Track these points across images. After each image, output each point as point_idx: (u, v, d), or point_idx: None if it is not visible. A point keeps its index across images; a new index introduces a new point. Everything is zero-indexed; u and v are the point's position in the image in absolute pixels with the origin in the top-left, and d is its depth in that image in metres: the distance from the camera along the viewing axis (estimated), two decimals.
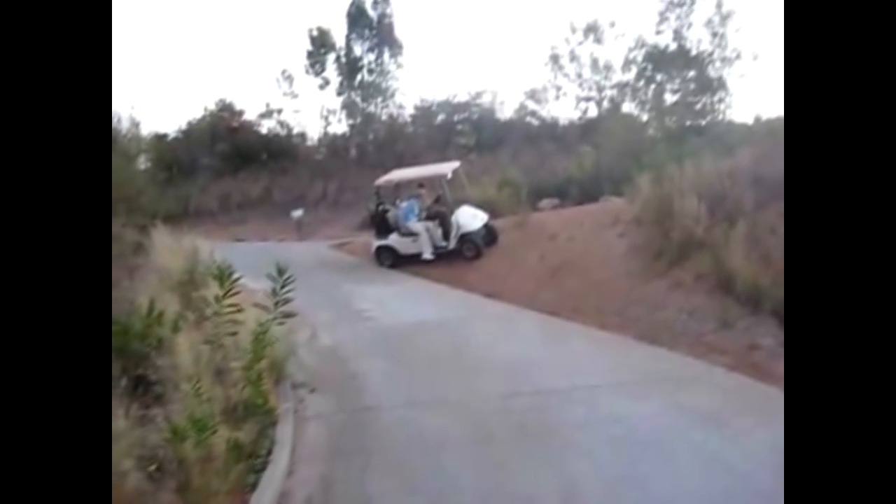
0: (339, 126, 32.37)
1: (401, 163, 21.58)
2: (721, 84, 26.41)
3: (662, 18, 27.11)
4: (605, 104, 28.83)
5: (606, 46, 28.69)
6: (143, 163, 26.40)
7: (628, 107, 28.46)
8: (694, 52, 26.73)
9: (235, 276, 5.26)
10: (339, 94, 31.72)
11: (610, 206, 13.86)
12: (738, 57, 26.16)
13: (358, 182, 25.99)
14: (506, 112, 31.15)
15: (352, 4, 31.06)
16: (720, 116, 26.16)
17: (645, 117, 27.20)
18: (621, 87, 28.53)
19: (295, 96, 32.04)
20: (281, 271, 4.96)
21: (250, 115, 32.37)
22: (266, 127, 32.46)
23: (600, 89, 29.07)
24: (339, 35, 31.58)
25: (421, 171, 16.22)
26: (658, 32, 27.35)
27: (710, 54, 26.61)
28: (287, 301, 5.06)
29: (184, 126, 32.00)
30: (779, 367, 5.92)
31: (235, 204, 28.56)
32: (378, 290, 12.09)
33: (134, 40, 49.53)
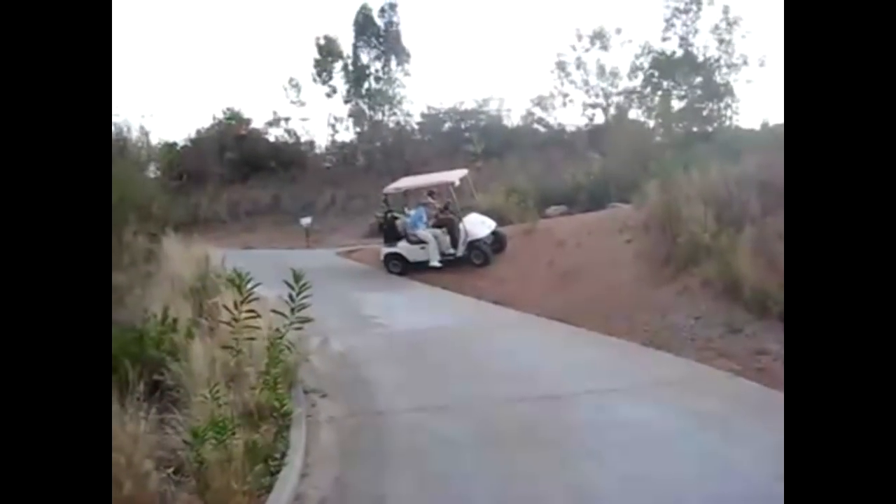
0: (347, 134, 32.52)
1: (409, 170, 21.67)
2: (728, 90, 26.44)
3: (669, 25, 27.15)
4: (612, 111, 28.84)
5: (613, 53, 28.73)
6: (153, 171, 26.57)
7: (635, 113, 28.46)
8: (700, 59, 26.77)
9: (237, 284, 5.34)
10: (347, 101, 31.85)
11: (617, 213, 13.93)
12: (744, 63, 26.18)
13: (366, 189, 26.09)
14: (513, 119, 31.22)
15: (359, 13, 31.23)
16: (727, 123, 26.18)
17: (652, 124, 27.21)
18: (628, 93, 28.56)
19: (302, 104, 32.17)
20: (297, 278, 5.05)
21: (258, 124, 32.57)
22: (273, 135, 32.60)
23: (607, 96, 29.11)
24: (346, 43, 31.73)
25: (429, 178, 16.31)
26: (664, 39, 27.38)
27: (717, 60, 26.66)
28: (303, 307, 5.15)
29: (193, 134, 32.20)
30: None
31: (245, 211, 28.69)
32: (387, 297, 12.19)
33: (143, 49, 49.89)
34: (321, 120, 41.70)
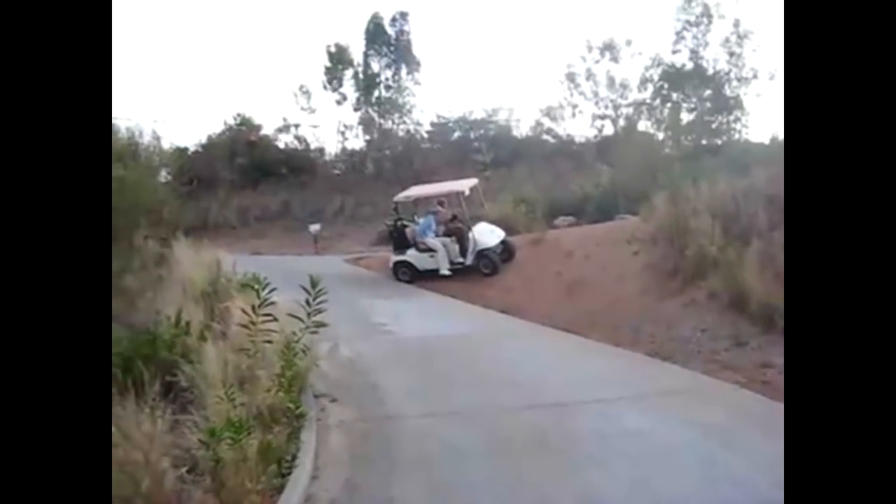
0: (356, 141, 32.67)
1: (417, 179, 21.78)
2: (737, 103, 26.50)
3: (679, 37, 27.22)
4: (621, 122, 28.93)
5: (623, 65, 28.79)
6: (164, 176, 26.74)
7: (644, 125, 28.56)
8: (710, 72, 26.84)
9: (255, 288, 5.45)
10: (356, 109, 32.02)
11: (625, 225, 13.99)
12: (754, 76, 26.24)
13: (375, 197, 26.22)
14: (522, 129, 31.33)
15: (370, 21, 31.45)
16: (736, 136, 26.23)
17: (661, 136, 27.30)
18: (637, 105, 28.63)
19: (312, 111, 32.36)
20: (314, 283, 5.17)
21: (268, 130, 32.74)
22: (283, 141, 32.77)
23: (616, 107, 29.19)
24: (357, 51, 31.93)
25: (439, 187, 16.42)
26: (675, 51, 27.46)
27: (727, 74, 26.72)
28: (319, 311, 5.26)
29: (204, 140, 32.36)
30: None
31: (254, 217, 28.84)
32: (395, 305, 12.28)
33: (156, 55, 50.28)
34: (331, 127, 41.97)
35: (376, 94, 31.73)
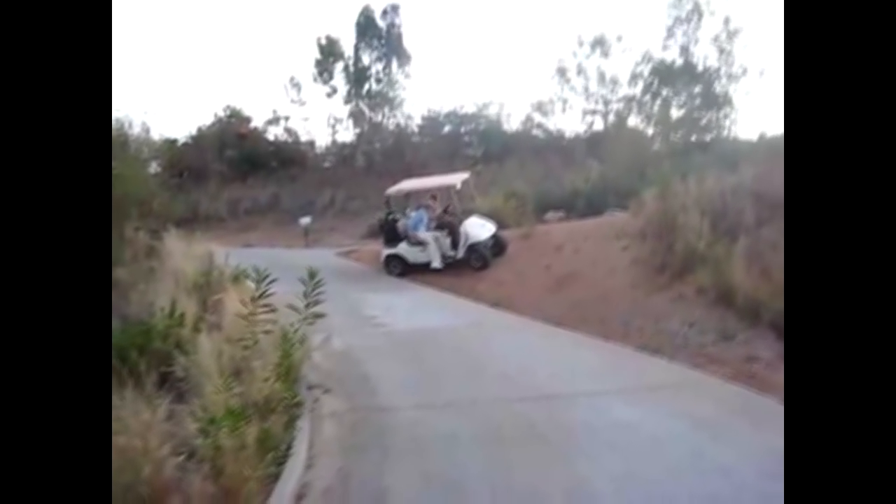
0: (347, 134, 32.76)
1: (408, 172, 21.86)
2: (727, 100, 26.77)
3: (669, 34, 27.51)
4: (611, 118, 29.16)
5: (613, 60, 29.17)
6: (154, 168, 26.67)
7: (634, 121, 28.83)
8: (700, 68, 27.09)
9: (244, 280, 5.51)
10: (347, 102, 32.14)
11: (615, 220, 14.12)
12: (744, 73, 26.52)
13: (365, 190, 26.31)
14: (512, 124, 31.55)
15: (361, 14, 31.49)
16: (725, 133, 26.53)
17: (650, 132, 27.53)
18: (627, 101, 28.87)
19: (302, 104, 32.43)
20: (312, 275, 5.24)
21: (258, 122, 32.77)
22: (273, 134, 32.85)
23: (606, 103, 29.43)
24: (347, 44, 31.99)
25: (431, 181, 16.52)
26: (665, 48, 27.78)
27: (717, 70, 26.96)
28: (317, 303, 5.33)
29: (194, 132, 32.37)
30: (775, 378, 6.20)
31: (244, 210, 28.91)
32: (386, 298, 12.36)
33: (145, 46, 50.05)
34: (321, 120, 42.08)
35: (367, 87, 31.83)
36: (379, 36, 31.73)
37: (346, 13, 51.16)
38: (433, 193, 15.41)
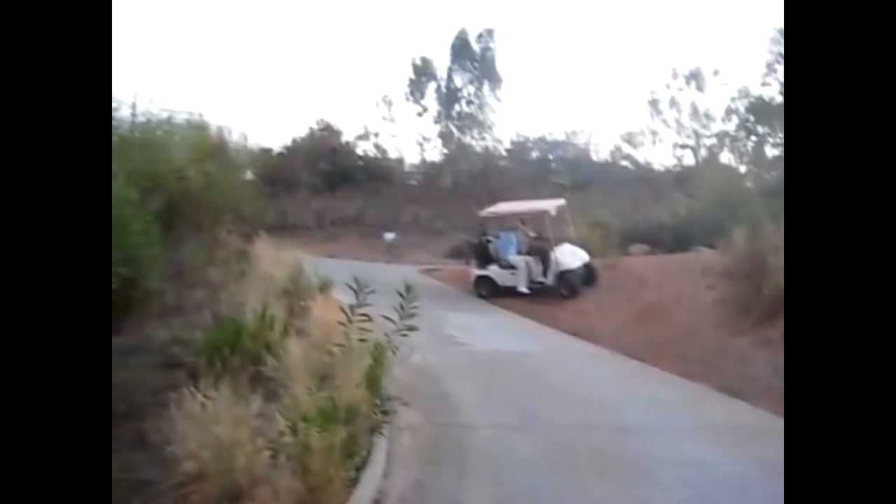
0: (434, 154, 33.31)
1: (493, 195, 22.03)
2: None
3: (770, 70, 26.76)
4: (703, 153, 28.60)
5: (708, 94, 28.60)
6: (249, 175, 27.73)
7: (726, 157, 28.15)
8: None
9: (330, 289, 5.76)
10: (437, 122, 32.71)
11: (701, 257, 13.88)
12: None
13: (450, 210, 26.66)
14: (600, 153, 31.44)
15: (457, 37, 32.06)
16: None
17: (743, 169, 26.84)
18: (720, 136, 28.25)
19: (393, 121, 33.20)
20: (408, 288, 5.48)
21: (349, 137, 33.69)
22: (363, 149, 33.69)
23: (698, 137, 28.92)
24: (441, 65, 32.61)
25: (526, 205, 16.64)
26: (764, 84, 27.00)
27: None
28: (412, 315, 5.56)
29: (288, 143, 33.55)
30: None
31: (330, 221, 29.74)
32: (466, 319, 12.56)
33: (249, 60, 52.34)
34: (410, 138, 42.93)
35: (457, 108, 32.35)
36: (473, 59, 32.24)
37: (441, 35, 52.12)
38: (522, 218, 15.52)
